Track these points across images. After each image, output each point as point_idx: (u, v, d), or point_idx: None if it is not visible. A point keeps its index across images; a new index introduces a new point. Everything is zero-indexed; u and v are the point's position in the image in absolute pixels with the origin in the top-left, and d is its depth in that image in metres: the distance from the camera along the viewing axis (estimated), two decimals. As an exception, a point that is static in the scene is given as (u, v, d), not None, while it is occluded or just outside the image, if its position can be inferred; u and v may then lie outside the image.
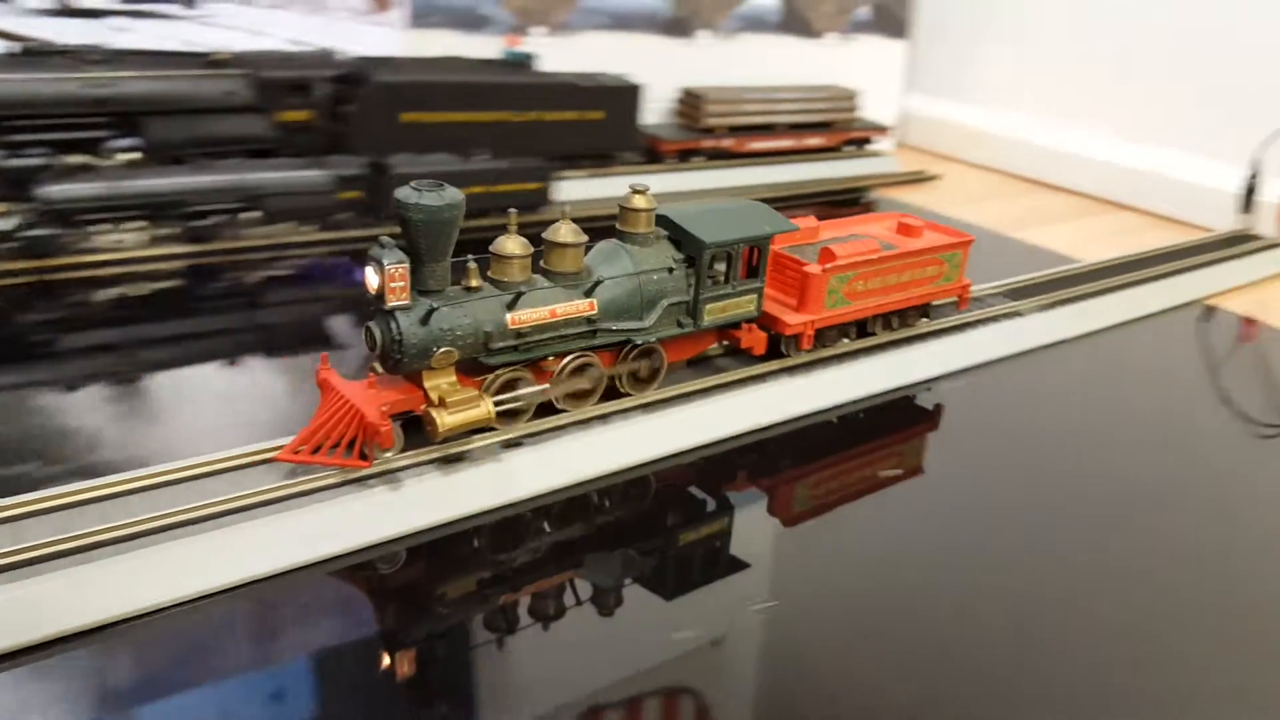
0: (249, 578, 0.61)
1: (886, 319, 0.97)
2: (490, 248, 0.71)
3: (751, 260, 0.83)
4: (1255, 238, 1.55)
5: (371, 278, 0.65)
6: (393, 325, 0.65)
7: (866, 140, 1.88)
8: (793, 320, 0.87)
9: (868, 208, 1.67)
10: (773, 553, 0.72)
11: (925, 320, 1.02)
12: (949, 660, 0.62)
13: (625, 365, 0.78)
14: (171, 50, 1.18)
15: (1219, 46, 1.66)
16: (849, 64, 1.96)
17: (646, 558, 0.69)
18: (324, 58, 1.26)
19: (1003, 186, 1.91)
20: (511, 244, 0.71)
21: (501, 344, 0.70)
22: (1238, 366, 1.17)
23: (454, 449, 0.71)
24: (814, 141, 1.80)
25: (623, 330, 0.76)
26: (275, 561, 0.63)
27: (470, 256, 0.69)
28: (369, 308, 0.67)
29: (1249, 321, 1.28)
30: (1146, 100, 1.78)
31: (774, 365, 0.88)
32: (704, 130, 1.65)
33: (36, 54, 1.08)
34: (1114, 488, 0.85)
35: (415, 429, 0.69)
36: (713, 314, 0.81)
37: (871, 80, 1.98)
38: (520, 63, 1.43)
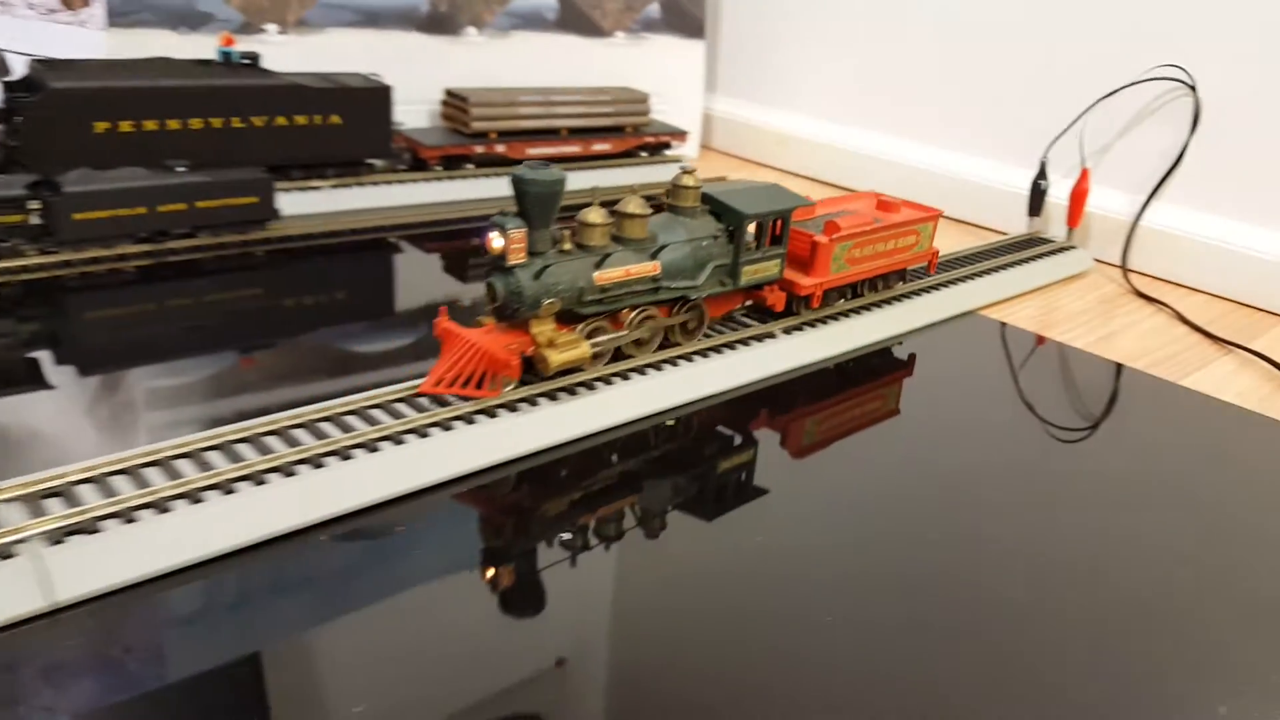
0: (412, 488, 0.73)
1: (873, 282, 1.14)
2: (577, 217, 0.85)
3: (775, 230, 0.98)
4: (1044, 240, 1.50)
5: (496, 240, 0.78)
6: (512, 280, 0.79)
7: (665, 145, 1.78)
8: (805, 282, 1.03)
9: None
10: (787, 481, 0.82)
11: (902, 283, 1.19)
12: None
13: (679, 317, 0.93)
14: None
15: (1010, 50, 1.61)
16: (644, 65, 1.86)
17: (691, 485, 0.80)
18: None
19: (803, 189, 1.83)
20: (594, 215, 0.85)
21: (590, 297, 0.84)
22: (1035, 371, 1.09)
23: (556, 385, 0.84)
24: (602, 147, 1.68)
25: (679, 288, 0.91)
26: (426, 477, 0.74)
27: (559, 227, 0.83)
28: (488, 266, 0.80)
29: (996, 329, 1.22)
30: (946, 104, 1.72)
31: (791, 321, 1.05)
32: (473, 135, 1.51)
33: None
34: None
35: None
36: (748, 275, 0.97)
37: (670, 82, 1.89)
38: (242, 64, 1.27)
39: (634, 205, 0.88)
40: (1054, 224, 1.54)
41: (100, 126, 1.11)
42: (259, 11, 1.36)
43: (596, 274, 0.83)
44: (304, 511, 0.68)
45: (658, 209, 0.94)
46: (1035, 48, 1.57)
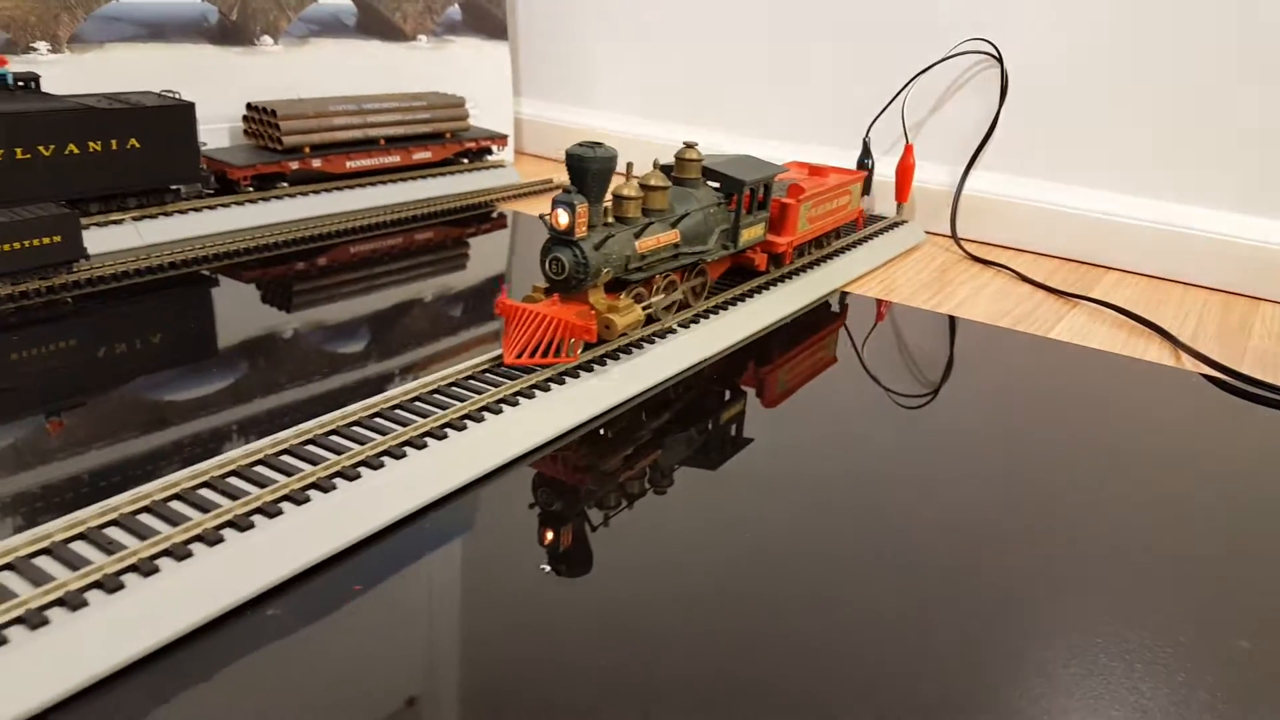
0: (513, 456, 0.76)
1: (819, 240, 1.28)
2: (613, 192, 0.89)
3: (759, 196, 1.07)
4: (878, 218, 1.53)
5: (564, 216, 0.82)
6: (578, 252, 0.83)
7: (486, 150, 1.71)
8: (781, 240, 1.15)
9: (500, 220, 1.49)
10: (766, 429, 0.85)
11: (837, 239, 1.34)
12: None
13: (692, 281, 1.01)
14: None
15: (819, 33, 1.64)
16: (450, 69, 1.77)
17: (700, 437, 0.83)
18: None
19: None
20: (629, 189, 0.90)
21: (635, 265, 0.89)
22: (908, 341, 1.10)
23: (610, 348, 0.90)
24: (423, 155, 1.59)
25: (694, 253, 0.98)
26: (565, 422, 0.80)
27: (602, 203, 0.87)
28: (548, 241, 0.84)
29: (882, 304, 1.24)
30: (758, 93, 1.74)
31: (769, 277, 1.16)
32: (285, 151, 1.39)
33: None
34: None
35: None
36: (744, 238, 1.06)
37: (479, 86, 1.81)
38: (19, 87, 1.11)
39: (656, 178, 0.94)
40: (881, 202, 1.58)
41: None
42: (24, 28, 1.19)
43: (638, 243, 0.89)
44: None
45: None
46: (845, 29, 1.61)
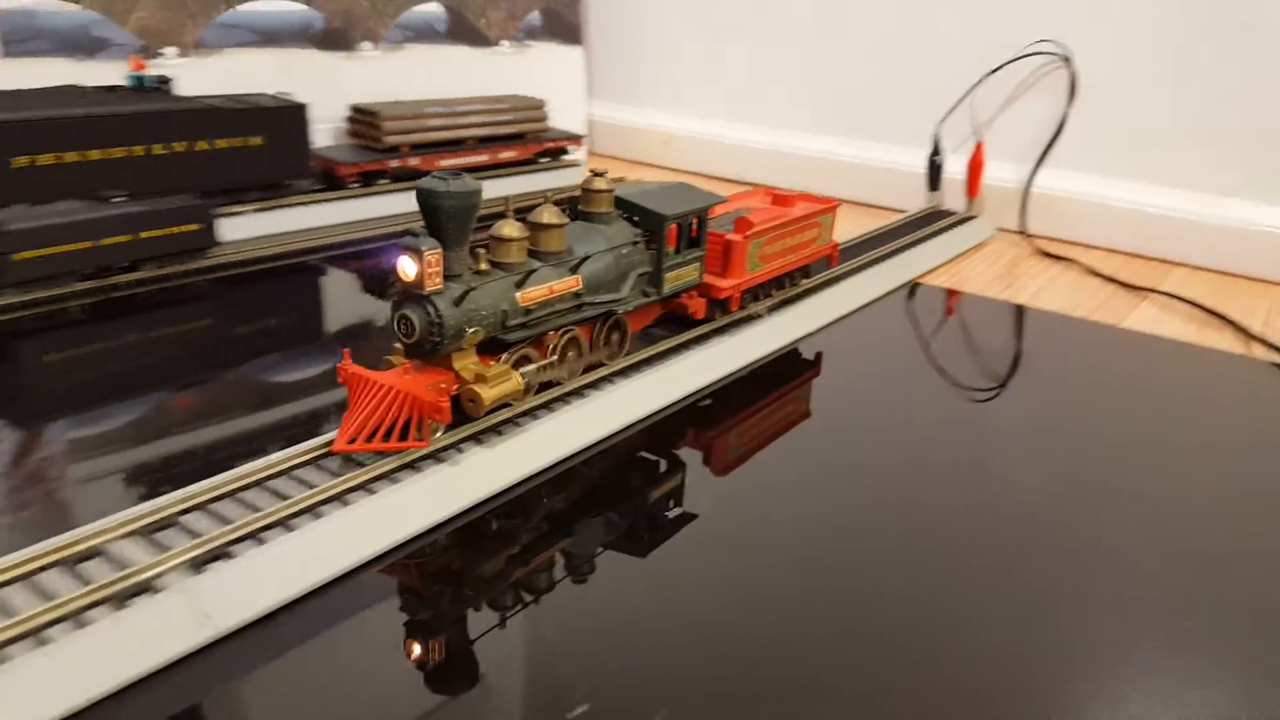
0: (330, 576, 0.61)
1: (779, 280, 1.07)
2: (490, 232, 0.74)
3: (692, 231, 0.90)
4: (948, 213, 1.58)
5: (409, 266, 0.67)
6: (430, 309, 0.67)
7: (561, 150, 1.78)
8: (723, 284, 0.96)
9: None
10: (711, 501, 0.74)
11: (805, 280, 1.13)
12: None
13: (603, 335, 0.84)
14: None
15: (891, 34, 1.70)
16: (529, 72, 1.85)
17: (623, 520, 0.71)
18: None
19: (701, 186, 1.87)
20: (510, 228, 0.74)
21: (515, 321, 0.73)
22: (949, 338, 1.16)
23: (484, 425, 0.74)
24: (508, 155, 1.67)
25: (603, 302, 0.82)
26: (344, 560, 0.62)
27: (474, 242, 0.72)
28: (396, 297, 0.68)
29: (948, 296, 1.29)
30: (832, 91, 1.80)
31: (709, 327, 0.98)
32: (386, 150, 1.47)
33: None
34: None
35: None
36: (670, 282, 0.89)
37: (554, 89, 1.88)
38: (152, 88, 1.20)
39: (549, 215, 0.78)
40: (951, 197, 1.63)
41: (19, 161, 1.02)
42: (156, 35, 1.28)
43: (519, 294, 0.74)
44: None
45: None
46: (915, 27, 1.66)
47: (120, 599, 0.54)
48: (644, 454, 0.80)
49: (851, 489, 0.77)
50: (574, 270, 0.79)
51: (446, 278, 0.68)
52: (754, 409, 0.90)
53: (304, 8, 1.47)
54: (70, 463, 0.74)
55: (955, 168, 1.60)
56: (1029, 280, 1.35)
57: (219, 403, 0.85)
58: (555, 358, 0.79)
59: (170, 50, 1.30)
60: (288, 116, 1.28)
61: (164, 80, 1.20)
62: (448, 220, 0.68)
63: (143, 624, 0.53)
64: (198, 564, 0.57)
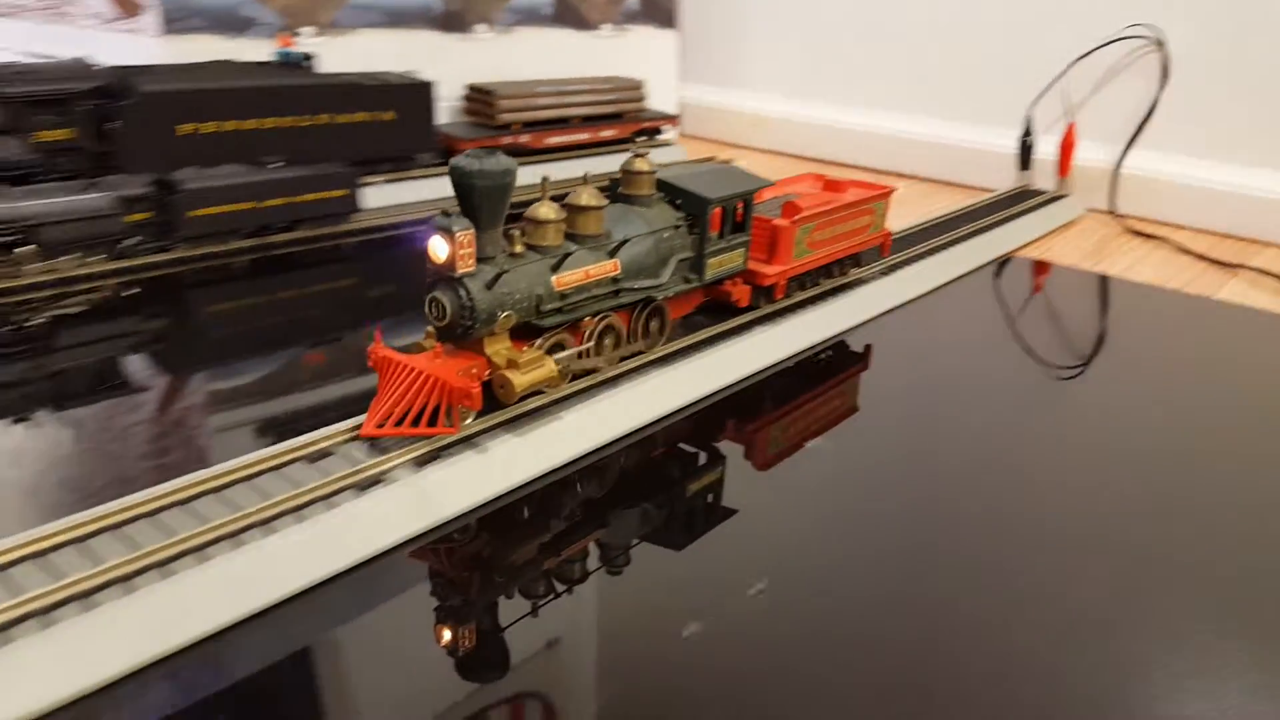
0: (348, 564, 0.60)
1: (828, 268, 1.04)
2: (526, 214, 0.73)
3: (737, 216, 0.87)
4: (1037, 193, 1.63)
5: (441, 247, 0.65)
6: (462, 292, 0.66)
7: (656, 130, 1.85)
8: (769, 271, 0.93)
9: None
10: (753, 496, 0.72)
11: (856, 268, 1.09)
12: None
13: (641, 321, 0.82)
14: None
15: (983, 17, 1.74)
16: (625, 55, 1.92)
17: (660, 511, 0.69)
18: (78, 69, 1.08)
19: (789, 166, 1.93)
20: (546, 209, 0.73)
21: (550, 306, 0.72)
22: (1039, 314, 1.21)
23: (517, 412, 0.72)
24: (608, 133, 1.74)
25: (642, 288, 0.80)
26: (373, 544, 0.61)
27: (511, 225, 0.71)
28: (430, 279, 0.67)
29: (1040, 269, 1.34)
30: (915, 74, 1.85)
31: (752, 315, 0.94)
32: (499, 127, 1.56)
33: None
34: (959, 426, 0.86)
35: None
36: (713, 268, 0.86)
37: (649, 71, 1.95)
38: (297, 64, 1.29)
39: (588, 197, 0.76)
40: (1040, 177, 1.67)
41: (185, 128, 1.12)
42: (296, 14, 1.38)
43: (554, 278, 0.72)
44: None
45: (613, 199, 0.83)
46: (1008, 14, 1.71)
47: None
48: (683, 445, 0.78)
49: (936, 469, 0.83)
50: (612, 254, 0.77)
51: (479, 260, 0.67)
52: (820, 390, 0.89)
53: (426, -9, 1.56)
54: (230, 405, 0.83)
55: (1046, 149, 1.65)
56: (1119, 256, 1.39)
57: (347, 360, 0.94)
58: (591, 344, 0.76)
59: (308, 29, 1.39)
60: (416, 94, 1.37)
61: (308, 57, 1.29)
62: (481, 200, 0.66)
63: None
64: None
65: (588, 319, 0.76)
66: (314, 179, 1.15)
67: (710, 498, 0.72)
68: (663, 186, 0.84)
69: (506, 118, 1.55)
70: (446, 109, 1.59)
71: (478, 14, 1.64)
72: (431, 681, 0.53)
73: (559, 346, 0.74)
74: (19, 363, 0.85)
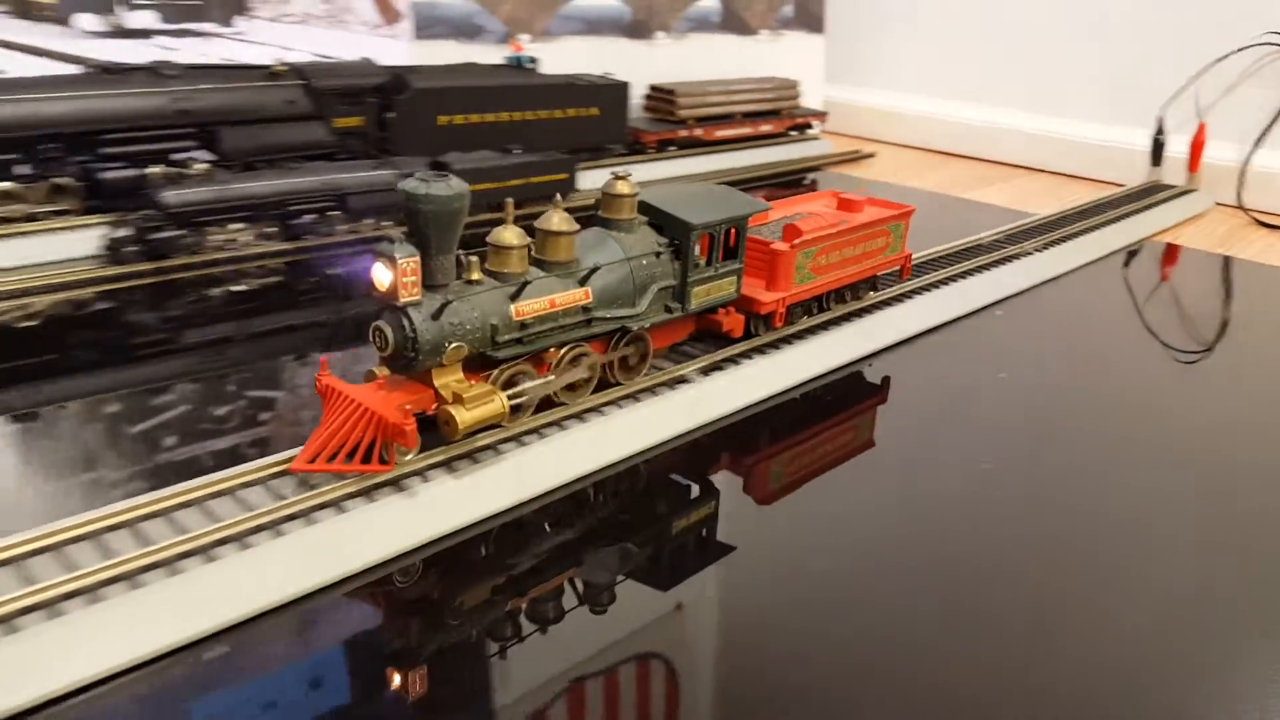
0: (271, 604, 0.57)
1: (840, 293, 0.98)
2: (488, 239, 0.70)
3: (729, 242, 0.83)
4: (1168, 187, 1.77)
5: (382, 274, 0.63)
6: (405, 322, 0.63)
7: (807, 125, 2.04)
8: (766, 298, 0.87)
9: (813, 186, 1.82)
10: (752, 533, 0.71)
11: (873, 293, 1.03)
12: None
13: (617, 353, 0.77)
14: (235, 64, 1.21)
15: (1123, 16, 1.89)
16: (780, 57, 2.12)
17: (643, 550, 0.67)
18: (366, 67, 1.31)
19: (925, 159, 2.10)
20: (509, 234, 0.70)
21: (507, 336, 0.68)
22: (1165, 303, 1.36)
23: (464, 449, 0.68)
24: (766, 128, 1.94)
25: (617, 318, 0.76)
26: (295, 585, 0.58)
27: (464, 252, 0.68)
28: (376, 307, 0.64)
29: (1170, 255, 1.49)
30: (1052, 75, 2.00)
31: (747, 345, 0.89)
32: (678, 122, 1.76)
33: (114, 71, 1.10)
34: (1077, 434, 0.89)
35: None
36: (699, 297, 0.82)
37: (800, 72, 2.14)
38: (524, 66, 1.51)
39: (557, 220, 0.72)
40: (1169, 174, 1.81)
41: (444, 119, 1.35)
42: (517, 23, 1.61)
43: (513, 307, 0.68)
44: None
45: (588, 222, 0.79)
46: (1145, 12, 1.85)
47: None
48: (656, 484, 0.74)
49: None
50: (583, 282, 0.73)
51: (426, 288, 0.64)
52: (829, 424, 0.85)
53: (619, 3, 1.78)
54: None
55: (1176, 146, 1.78)
56: (1246, 246, 1.53)
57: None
58: (554, 377, 0.72)
59: (524, 37, 1.62)
60: (616, 92, 1.59)
61: (533, 60, 1.51)
62: (428, 225, 0.63)
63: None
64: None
65: (553, 349, 0.72)
66: (545, 164, 1.37)
67: (703, 531, 0.69)
68: (646, 210, 0.80)
69: (684, 114, 1.76)
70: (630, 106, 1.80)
71: (659, 22, 1.85)
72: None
73: (516, 379, 0.70)
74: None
